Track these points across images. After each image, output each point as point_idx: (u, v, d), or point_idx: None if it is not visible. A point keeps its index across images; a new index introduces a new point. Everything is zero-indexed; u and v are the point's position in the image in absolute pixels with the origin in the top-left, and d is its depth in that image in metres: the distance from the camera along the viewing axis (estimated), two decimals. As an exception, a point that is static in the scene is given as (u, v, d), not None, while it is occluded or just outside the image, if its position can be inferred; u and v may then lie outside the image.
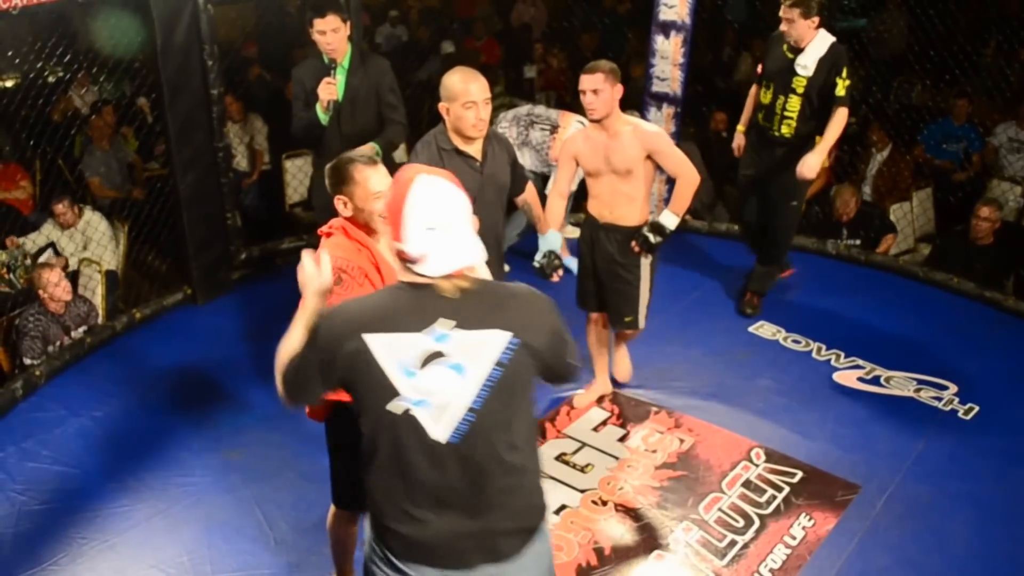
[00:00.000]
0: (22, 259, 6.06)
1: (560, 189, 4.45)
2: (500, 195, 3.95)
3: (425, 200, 2.17)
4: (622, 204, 4.38)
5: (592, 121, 4.27)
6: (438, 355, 2.17)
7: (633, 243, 4.38)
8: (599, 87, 4.13)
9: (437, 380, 2.18)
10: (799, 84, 5.15)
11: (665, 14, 6.28)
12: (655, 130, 4.35)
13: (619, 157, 4.27)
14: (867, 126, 7.58)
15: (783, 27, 5.11)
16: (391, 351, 2.17)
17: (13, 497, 4.19)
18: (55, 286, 5.14)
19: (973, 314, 5.82)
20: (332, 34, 4.58)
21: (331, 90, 4.60)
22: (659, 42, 6.36)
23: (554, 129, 6.04)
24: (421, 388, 2.18)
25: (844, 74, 5.05)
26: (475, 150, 3.79)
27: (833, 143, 5.21)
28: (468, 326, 2.18)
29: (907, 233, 6.87)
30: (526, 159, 6.09)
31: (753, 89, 5.58)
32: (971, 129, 7.46)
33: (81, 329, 5.38)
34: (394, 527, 2.30)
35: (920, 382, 5.06)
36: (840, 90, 5.06)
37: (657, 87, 6.46)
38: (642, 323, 4.63)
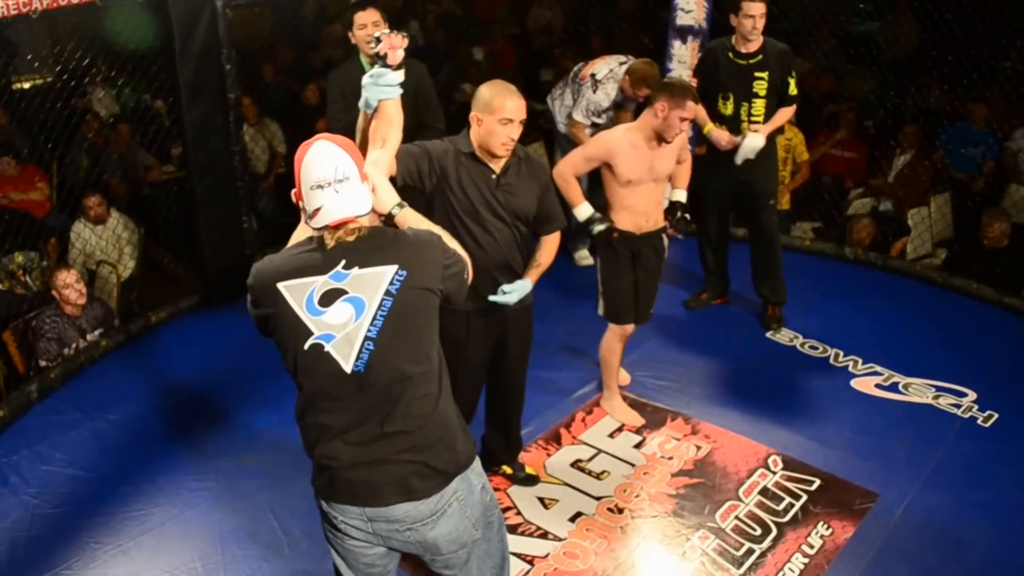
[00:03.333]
0: (38, 261, 6.08)
1: (579, 172, 4.44)
2: (512, 216, 3.64)
3: (313, 162, 2.43)
4: (655, 210, 4.46)
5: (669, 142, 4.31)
6: (340, 292, 2.44)
7: (671, 229, 4.60)
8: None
9: (339, 314, 2.43)
10: (761, 87, 5.20)
11: (682, 19, 6.28)
12: None
13: (664, 164, 4.37)
14: (885, 130, 7.54)
15: (751, 24, 5.06)
16: (300, 294, 2.45)
17: (26, 500, 4.20)
18: (68, 288, 5.14)
19: (992, 320, 5.78)
20: (373, 27, 4.62)
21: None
22: (676, 47, 6.35)
23: (588, 63, 6.05)
24: (327, 324, 2.43)
25: (793, 72, 5.23)
26: (495, 164, 3.58)
27: (776, 127, 5.34)
28: (363, 265, 2.44)
29: (925, 238, 6.82)
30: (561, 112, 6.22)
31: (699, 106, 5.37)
32: (989, 134, 7.40)
33: (97, 332, 5.38)
34: (322, 463, 2.55)
35: (939, 389, 5.02)
36: (792, 89, 5.26)
37: (674, 91, 6.44)
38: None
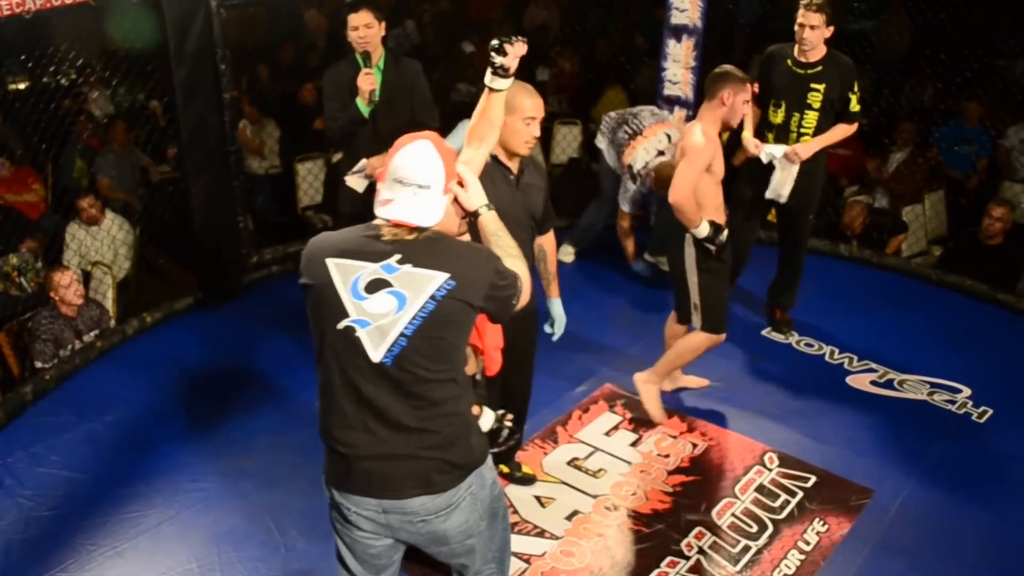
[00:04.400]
0: (33, 262, 6.07)
1: (696, 187, 4.28)
2: (528, 218, 3.68)
3: (407, 157, 2.49)
4: None
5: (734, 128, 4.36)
6: (386, 284, 2.46)
7: None
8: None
9: (380, 304, 2.45)
10: (815, 99, 5.03)
11: (676, 18, 6.27)
12: None
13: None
14: (879, 128, 7.56)
15: (801, 34, 4.95)
16: (347, 275, 2.47)
17: (21, 503, 4.18)
18: (66, 289, 5.13)
19: (986, 316, 5.80)
20: (365, 29, 4.63)
21: (371, 80, 4.62)
22: (671, 46, 6.34)
23: (634, 135, 5.85)
24: (366, 310, 2.46)
25: (856, 88, 5.02)
26: (513, 165, 3.61)
27: (830, 143, 5.14)
28: (416, 264, 2.46)
29: (919, 235, 6.85)
30: (609, 156, 6.04)
31: (750, 108, 5.11)
32: (983, 132, 7.43)
33: (93, 333, 5.37)
34: (338, 449, 2.56)
35: (933, 385, 5.03)
36: (854, 105, 5.04)
37: (669, 90, 6.44)
38: None
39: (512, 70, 2.96)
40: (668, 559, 3.87)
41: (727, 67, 4.31)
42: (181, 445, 4.58)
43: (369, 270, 2.46)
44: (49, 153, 7.06)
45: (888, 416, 4.80)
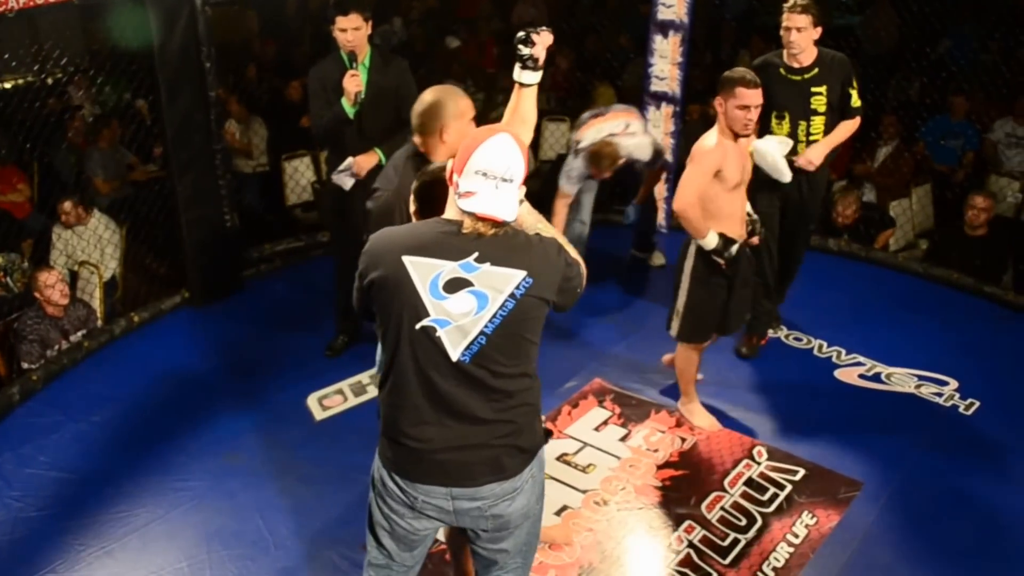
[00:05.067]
0: (19, 263, 6.04)
1: (701, 194, 4.13)
2: None
3: (490, 150, 2.44)
4: (745, 214, 4.35)
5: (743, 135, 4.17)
6: (466, 283, 2.46)
7: (754, 237, 4.39)
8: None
9: (461, 304, 2.46)
10: (820, 103, 4.87)
11: (663, 13, 6.27)
12: None
13: (749, 165, 4.27)
14: (866, 123, 7.58)
15: (788, 38, 4.80)
16: (426, 273, 2.46)
17: (9, 503, 4.17)
18: (50, 288, 5.11)
19: (973, 309, 5.83)
20: (353, 32, 4.60)
21: (356, 81, 4.60)
22: (657, 41, 6.35)
23: (595, 116, 5.73)
24: (447, 310, 2.46)
25: (855, 83, 4.91)
26: None
27: (838, 143, 5.00)
28: (495, 263, 2.47)
29: (907, 229, 6.87)
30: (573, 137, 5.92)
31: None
32: (969, 126, 7.46)
33: (80, 333, 5.35)
34: (409, 444, 2.57)
35: (921, 378, 5.05)
36: (855, 100, 4.91)
37: (656, 86, 6.45)
38: None
39: (541, 61, 2.93)
40: (658, 553, 3.87)
41: (728, 72, 4.17)
42: (169, 444, 4.56)
43: (448, 268, 2.46)
44: (34, 153, 7.03)
45: (876, 409, 4.82)
